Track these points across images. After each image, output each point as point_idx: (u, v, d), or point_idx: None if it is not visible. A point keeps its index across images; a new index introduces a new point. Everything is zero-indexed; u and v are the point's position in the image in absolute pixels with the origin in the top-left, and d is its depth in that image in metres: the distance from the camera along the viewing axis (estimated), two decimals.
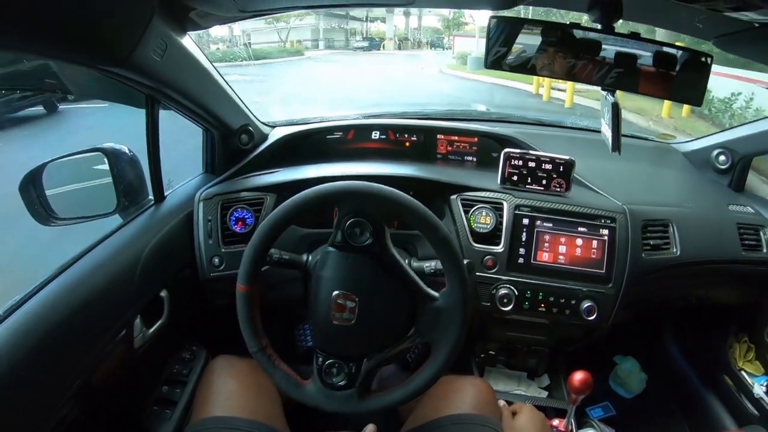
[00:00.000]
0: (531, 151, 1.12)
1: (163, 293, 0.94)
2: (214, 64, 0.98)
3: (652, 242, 1.07)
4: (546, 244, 1.04)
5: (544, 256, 1.04)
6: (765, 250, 1.13)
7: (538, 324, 1.13)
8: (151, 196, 1.00)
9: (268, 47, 13.31)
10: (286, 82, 9.34)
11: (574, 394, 1.00)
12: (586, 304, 1.02)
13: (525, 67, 0.73)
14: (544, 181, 1.09)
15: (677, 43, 0.79)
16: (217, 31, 14.18)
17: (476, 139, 1.28)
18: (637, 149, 1.43)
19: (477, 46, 12.14)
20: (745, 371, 1.26)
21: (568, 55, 0.72)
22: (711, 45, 0.82)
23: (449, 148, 1.29)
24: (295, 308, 1.21)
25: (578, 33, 0.71)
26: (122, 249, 0.86)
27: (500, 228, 1.05)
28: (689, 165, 1.37)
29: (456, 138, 1.28)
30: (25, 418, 0.64)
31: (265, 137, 1.23)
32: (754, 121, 1.30)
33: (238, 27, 13.58)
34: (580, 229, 1.04)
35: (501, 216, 1.05)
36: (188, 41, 0.85)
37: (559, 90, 7.09)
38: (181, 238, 1.01)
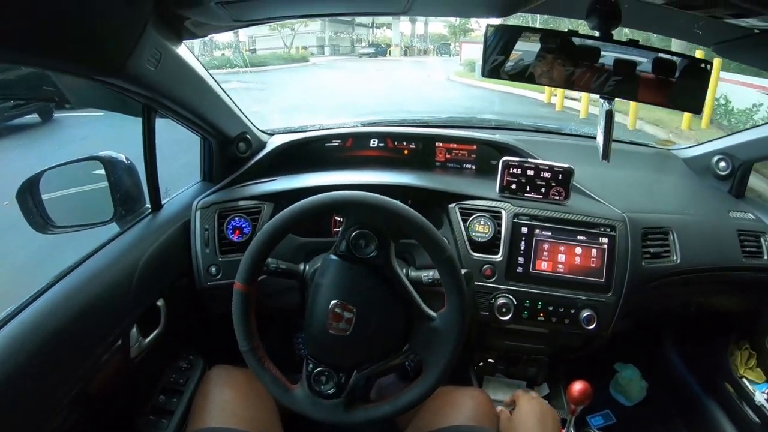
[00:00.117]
0: (530, 159, 1.11)
1: (160, 302, 0.93)
2: (213, 71, 0.97)
3: (652, 250, 1.07)
4: (545, 253, 1.03)
5: (543, 265, 1.03)
6: (766, 257, 1.13)
7: (538, 333, 1.12)
8: (148, 205, 1.00)
9: (272, 53, 13.29)
10: (289, 89, 9.15)
11: (573, 405, 0.99)
12: (586, 313, 1.01)
13: (523, 75, 0.73)
14: (542, 190, 1.08)
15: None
16: (222, 37, 14.19)
17: (475, 147, 1.28)
18: (637, 156, 1.42)
19: None
20: (747, 379, 1.25)
21: (566, 62, 0.72)
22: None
23: (448, 156, 1.29)
24: (292, 317, 1.21)
25: (577, 40, 0.71)
26: (119, 258, 0.85)
27: (499, 237, 1.04)
28: (689, 171, 1.36)
29: (455, 146, 1.28)
30: (21, 427, 0.64)
31: (263, 145, 1.22)
32: (754, 127, 1.29)
33: (244, 33, 13.57)
34: (580, 237, 1.03)
35: (499, 225, 1.04)
36: (183, 50, 0.84)
37: (572, 99, 6.62)
38: (178, 246, 1.00)
